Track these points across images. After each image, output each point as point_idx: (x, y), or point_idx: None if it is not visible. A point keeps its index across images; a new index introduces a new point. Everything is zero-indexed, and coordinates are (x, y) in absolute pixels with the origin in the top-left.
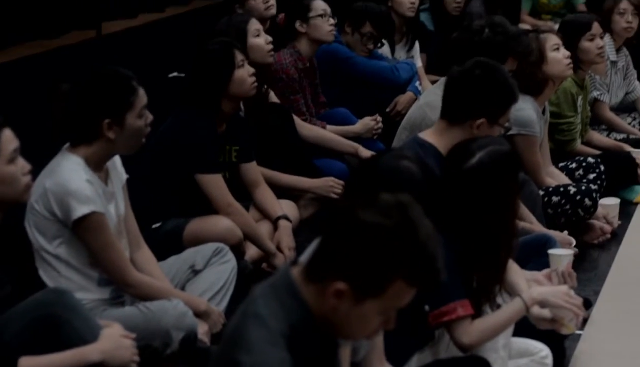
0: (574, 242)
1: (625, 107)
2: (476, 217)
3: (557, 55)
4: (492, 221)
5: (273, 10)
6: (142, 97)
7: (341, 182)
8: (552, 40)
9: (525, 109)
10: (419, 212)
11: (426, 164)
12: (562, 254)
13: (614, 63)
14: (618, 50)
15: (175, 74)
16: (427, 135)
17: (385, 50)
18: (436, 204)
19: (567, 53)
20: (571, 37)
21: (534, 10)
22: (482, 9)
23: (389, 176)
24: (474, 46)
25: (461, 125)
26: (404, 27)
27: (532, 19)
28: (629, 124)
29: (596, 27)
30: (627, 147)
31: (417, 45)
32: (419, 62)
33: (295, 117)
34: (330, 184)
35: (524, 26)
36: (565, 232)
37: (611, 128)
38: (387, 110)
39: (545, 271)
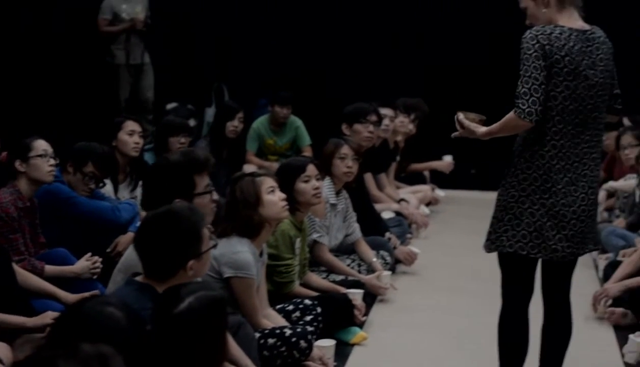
0: None
1: (345, 249)
2: (185, 361)
3: (273, 198)
4: (201, 365)
5: None
6: None
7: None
8: (268, 183)
9: (242, 252)
10: (119, 364)
11: (133, 310)
12: None
13: (333, 205)
14: (338, 193)
15: None
16: (145, 277)
17: (108, 189)
18: (144, 350)
19: (283, 195)
20: (287, 179)
21: (260, 151)
22: (207, 150)
23: (93, 323)
24: None
25: (175, 274)
26: (127, 167)
27: (259, 159)
28: (348, 265)
29: (311, 169)
30: (344, 289)
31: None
32: None
33: None
34: (46, 322)
35: (250, 167)
36: None
37: (330, 270)
38: (108, 250)
39: None
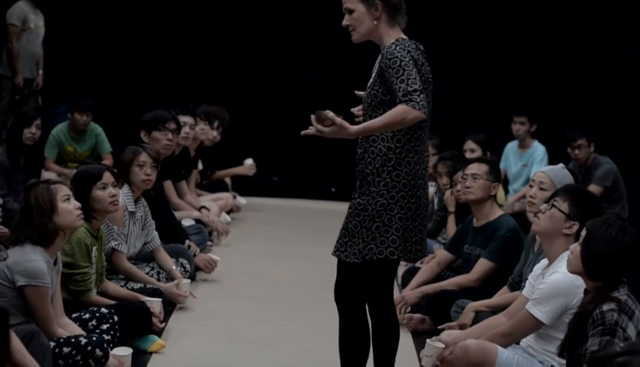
0: None
1: (144, 257)
2: None
3: (68, 206)
4: None
5: None
6: None
7: None
8: (63, 191)
9: (36, 260)
10: None
11: None
12: None
13: (132, 213)
14: (136, 201)
15: None
16: None
17: None
18: None
19: (77, 204)
20: (83, 187)
21: (60, 158)
22: (4, 157)
23: None
24: None
25: None
26: None
27: (58, 167)
28: (148, 273)
29: (107, 177)
30: (142, 297)
31: None
32: None
33: None
34: None
35: (50, 174)
36: None
37: (129, 278)
38: None
39: None
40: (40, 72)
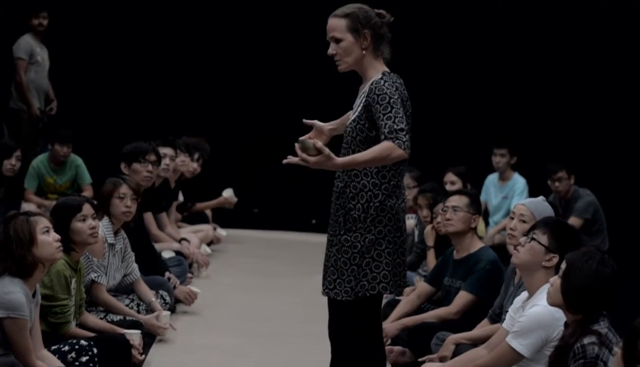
0: None
1: (124, 289)
2: None
3: (47, 238)
4: None
5: None
6: None
7: None
8: (42, 223)
9: (15, 292)
10: None
11: None
12: None
13: (112, 245)
14: (116, 233)
15: None
16: None
17: None
18: None
19: (57, 236)
20: (62, 218)
21: (40, 189)
22: None
23: None
24: None
25: None
26: None
27: (38, 198)
28: (127, 305)
29: (87, 208)
30: (122, 329)
31: None
32: None
33: None
34: None
35: (30, 206)
36: None
37: (109, 310)
38: None
39: None
40: (54, 99)
